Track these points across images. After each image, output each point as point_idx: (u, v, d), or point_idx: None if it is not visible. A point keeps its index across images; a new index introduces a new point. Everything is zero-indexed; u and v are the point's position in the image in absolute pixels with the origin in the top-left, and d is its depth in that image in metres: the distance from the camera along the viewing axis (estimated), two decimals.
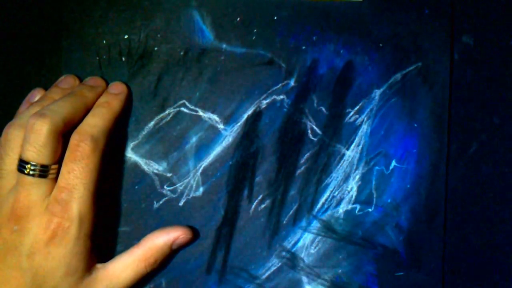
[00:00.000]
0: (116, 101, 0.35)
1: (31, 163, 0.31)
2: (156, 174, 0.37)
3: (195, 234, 0.36)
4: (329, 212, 0.37)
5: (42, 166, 0.31)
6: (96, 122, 0.33)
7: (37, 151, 0.31)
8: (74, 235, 0.31)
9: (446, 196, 0.37)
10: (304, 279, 0.36)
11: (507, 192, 0.37)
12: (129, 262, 0.33)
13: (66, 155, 0.32)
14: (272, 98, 0.36)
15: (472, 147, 0.37)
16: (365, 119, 0.36)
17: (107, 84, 0.36)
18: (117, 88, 0.36)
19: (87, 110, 0.34)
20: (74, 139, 0.32)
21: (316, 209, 0.37)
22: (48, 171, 0.32)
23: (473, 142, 0.37)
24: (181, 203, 0.37)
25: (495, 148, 0.37)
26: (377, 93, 0.36)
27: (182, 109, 0.37)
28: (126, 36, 0.36)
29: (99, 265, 0.33)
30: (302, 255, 0.37)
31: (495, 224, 0.37)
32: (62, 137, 0.32)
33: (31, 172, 0.31)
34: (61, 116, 0.32)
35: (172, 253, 0.36)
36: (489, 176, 0.37)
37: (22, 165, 0.31)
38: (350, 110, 0.36)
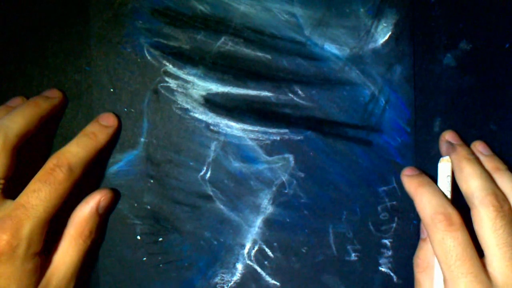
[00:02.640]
0: (103, 134, 0.35)
1: None
2: None
3: (116, 193, 0.36)
4: None
5: None
6: (77, 152, 0.33)
7: None
8: (21, 254, 0.31)
9: None
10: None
11: None
12: (67, 245, 0.33)
13: (38, 174, 0.32)
14: None
15: None
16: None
17: (64, 96, 0.36)
18: (108, 121, 0.36)
19: (42, 122, 0.34)
20: (51, 162, 0.32)
21: None
22: None
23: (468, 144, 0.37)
24: None
25: None
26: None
27: None
28: None
29: (47, 263, 0.33)
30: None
31: None
32: (16, 151, 0.32)
33: None
34: (14, 131, 0.32)
35: (104, 218, 0.36)
36: None
37: None
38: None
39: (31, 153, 0.34)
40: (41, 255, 0.32)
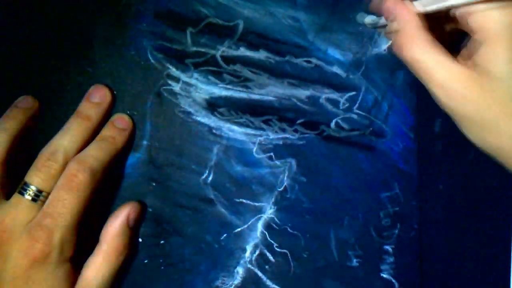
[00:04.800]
0: (121, 137, 0.35)
1: (33, 186, 0.32)
2: None
3: (143, 204, 0.36)
4: None
5: (40, 191, 0.32)
6: (98, 155, 0.33)
7: (45, 179, 0.32)
8: (54, 260, 0.31)
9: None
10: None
11: (506, 198, 0.37)
12: (100, 262, 0.33)
13: (60, 182, 0.32)
14: None
15: (470, 154, 0.37)
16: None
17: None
18: (123, 123, 0.36)
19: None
20: (72, 168, 0.32)
21: None
22: (39, 196, 0.32)
23: (471, 149, 0.37)
24: None
25: (491, 162, 0.37)
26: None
27: None
28: None
29: (77, 274, 0.33)
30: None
31: (493, 229, 0.37)
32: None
33: (27, 195, 0.32)
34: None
35: (135, 231, 0.36)
36: (488, 181, 0.37)
37: (24, 187, 0.32)
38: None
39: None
40: (72, 261, 0.32)
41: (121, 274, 0.35)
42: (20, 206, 0.32)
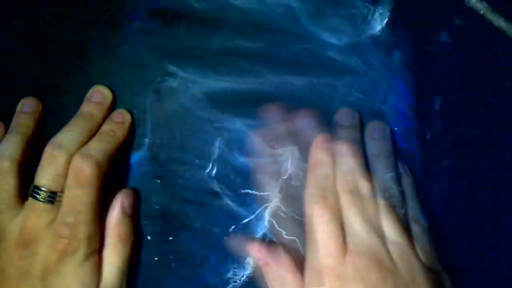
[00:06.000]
0: (121, 130, 0.36)
1: (43, 189, 0.32)
2: None
3: (135, 190, 0.37)
4: None
5: (53, 192, 0.32)
6: (101, 147, 0.34)
7: (52, 179, 0.32)
8: (82, 253, 0.32)
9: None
10: None
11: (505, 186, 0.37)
12: (109, 254, 0.34)
13: (69, 179, 0.32)
14: None
15: (468, 137, 0.37)
16: None
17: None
18: (121, 117, 0.36)
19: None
20: (77, 162, 0.32)
21: None
22: (55, 197, 0.32)
23: (470, 129, 0.37)
24: None
25: (492, 137, 0.37)
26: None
27: None
28: None
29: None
30: None
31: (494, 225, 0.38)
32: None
33: (41, 199, 0.32)
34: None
35: (134, 217, 0.36)
36: (487, 166, 0.37)
37: (35, 191, 0.32)
38: None
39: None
40: (99, 253, 0.33)
41: (136, 265, 0.36)
42: (37, 210, 0.32)
